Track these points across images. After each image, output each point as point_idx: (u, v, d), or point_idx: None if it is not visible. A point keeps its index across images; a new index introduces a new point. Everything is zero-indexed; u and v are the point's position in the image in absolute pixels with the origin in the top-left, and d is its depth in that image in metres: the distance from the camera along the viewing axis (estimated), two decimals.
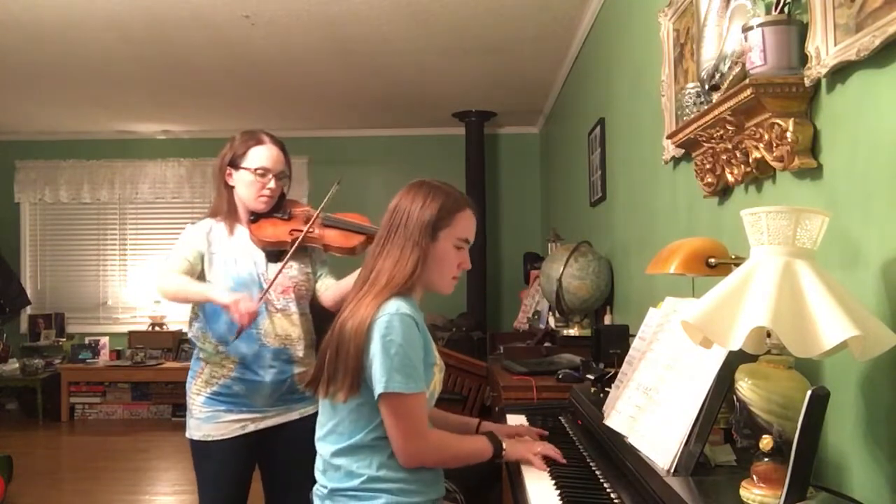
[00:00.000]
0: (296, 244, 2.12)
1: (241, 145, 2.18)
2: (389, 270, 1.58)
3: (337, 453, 1.59)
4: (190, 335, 2.22)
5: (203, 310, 2.16)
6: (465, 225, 1.65)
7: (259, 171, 2.15)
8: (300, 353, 2.16)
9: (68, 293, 6.94)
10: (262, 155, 2.16)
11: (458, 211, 1.63)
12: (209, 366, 2.14)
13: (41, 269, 6.98)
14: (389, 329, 1.51)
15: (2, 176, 6.86)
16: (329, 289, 2.23)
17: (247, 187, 2.17)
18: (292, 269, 2.19)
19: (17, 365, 6.42)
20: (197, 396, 2.14)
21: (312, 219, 2.18)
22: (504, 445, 1.66)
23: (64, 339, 6.78)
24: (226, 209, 2.19)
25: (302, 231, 2.14)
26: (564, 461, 1.63)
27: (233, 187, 2.19)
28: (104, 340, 6.71)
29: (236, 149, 2.18)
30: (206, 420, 2.12)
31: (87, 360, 6.60)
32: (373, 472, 1.55)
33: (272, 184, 2.17)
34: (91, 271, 6.97)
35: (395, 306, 1.54)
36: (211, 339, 2.13)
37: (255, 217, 2.20)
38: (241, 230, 2.19)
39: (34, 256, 6.98)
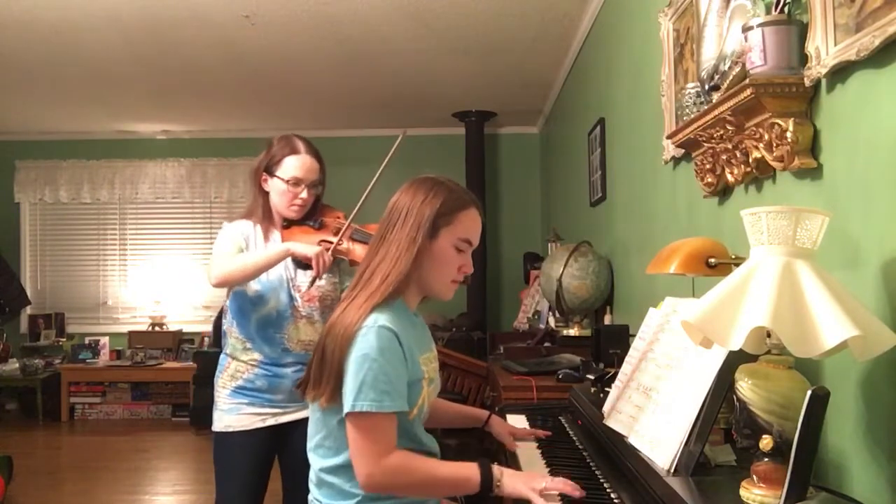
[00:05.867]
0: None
1: (277, 152, 2.21)
2: (384, 269, 1.49)
3: (328, 470, 1.54)
4: (223, 327, 2.27)
5: (233, 304, 2.20)
6: (469, 225, 1.54)
7: (292, 182, 2.18)
8: None
9: (68, 293, 6.94)
10: (295, 165, 2.19)
11: (461, 209, 1.53)
12: (234, 361, 2.20)
13: (41, 269, 6.97)
14: (364, 343, 1.43)
15: (2, 176, 6.86)
16: None
17: (279, 196, 2.20)
18: (321, 279, 2.21)
19: (17, 365, 6.42)
20: (223, 389, 2.21)
21: (343, 230, 2.18)
22: (500, 478, 1.44)
23: (64, 339, 6.78)
24: (261, 214, 2.24)
25: (331, 244, 2.16)
26: (580, 494, 1.39)
27: (267, 192, 2.23)
28: (104, 340, 6.72)
29: (272, 155, 2.21)
30: (227, 412, 2.18)
31: (87, 360, 6.60)
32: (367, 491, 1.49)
33: (304, 194, 2.20)
34: (91, 271, 6.97)
35: (374, 318, 1.45)
36: (238, 335, 2.19)
37: (288, 223, 2.25)
38: (276, 235, 2.24)
39: (34, 256, 6.98)
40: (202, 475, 4.58)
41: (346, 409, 1.42)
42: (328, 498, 1.55)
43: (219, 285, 2.13)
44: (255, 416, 2.17)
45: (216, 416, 2.22)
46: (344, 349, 1.44)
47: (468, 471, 1.46)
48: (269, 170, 2.21)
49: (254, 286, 2.16)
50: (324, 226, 2.25)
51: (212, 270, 2.12)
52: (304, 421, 2.15)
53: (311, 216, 2.26)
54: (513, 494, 1.45)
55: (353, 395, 1.41)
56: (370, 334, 1.43)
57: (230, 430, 2.17)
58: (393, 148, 2.16)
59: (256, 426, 2.17)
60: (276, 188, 2.21)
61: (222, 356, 2.26)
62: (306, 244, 2.10)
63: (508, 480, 1.44)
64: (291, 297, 2.18)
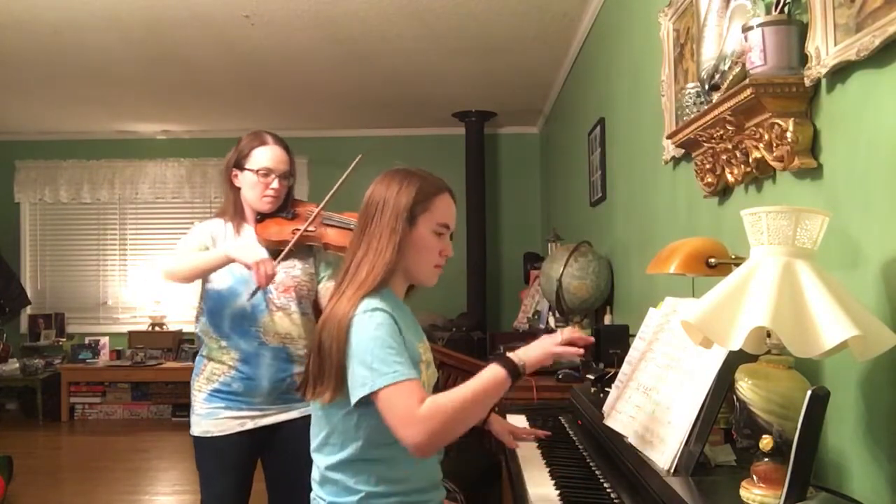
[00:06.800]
0: (293, 241, 2.14)
1: (245, 146, 2.22)
2: (370, 261, 1.52)
3: (332, 467, 1.53)
4: (197, 330, 2.25)
5: (206, 305, 2.19)
6: (444, 209, 1.57)
7: (262, 172, 2.18)
8: (301, 352, 2.17)
9: (68, 293, 6.94)
10: (265, 156, 2.19)
11: (435, 195, 1.56)
12: (211, 363, 2.17)
13: (41, 269, 6.97)
14: (360, 328, 1.44)
15: (2, 176, 6.86)
16: (328, 291, 2.23)
17: (251, 188, 2.20)
18: (295, 269, 2.21)
19: (17, 365, 6.42)
20: (199, 393, 2.18)
21: (314, 215, 2.19)
22: (521, 362, 1.47)
23: (64, 339, 6.78)
24: (232, 211, 2.23)
25: (303, 229, 2.16)
26: (587, 343, 1.49)
27: (239, 188, 2.23)
28: (104, 340, 6.72)
29: (241, 150, 2.22)
30: (205, 416, 2.15)
31: (87, 360, 6.60)
32: (371, 487, 1.50)
33: (276, 184, 2.20)
34: (91, 271, 6.97)
35: (366, 304, 1.47)
36: (213, 335, 2.17)
37: (261, 217, 2.24)
38: (248, 229, 2.23)
39: (34, 256, 6.98)
40: None
41: (367, 391, 1.40)
42: (332, 495, 1.54)
43: (167, 279, 2.15)
44: (233, 419, 2.14)
45: (193, 420, 2.18)
46: (342, 340, 1.45)
47: (494, 373, 1.47)
48: (239, 164, 2.21)
49: (226, 281, 2.14)
50: (297, 216, 2.25)
51: (167, 263, 2.14)
52: (287, 424, 2.16)
53: (284, 208, 2.25)
54: (538, 363, 1.49)
55: (369, 377, 1.40)
56: (365, 318, 1.45)
57: (208, 435, 2.14)
58: (350, 168, 2.16)
59: (235, 430, 2.13)
60: (247, 182, 2.20)
61: (198, 358, 2.22)
62: (249, 251, 2.02)
63: (529, 358, 1.49)
64: (265, 289, 2.14)
